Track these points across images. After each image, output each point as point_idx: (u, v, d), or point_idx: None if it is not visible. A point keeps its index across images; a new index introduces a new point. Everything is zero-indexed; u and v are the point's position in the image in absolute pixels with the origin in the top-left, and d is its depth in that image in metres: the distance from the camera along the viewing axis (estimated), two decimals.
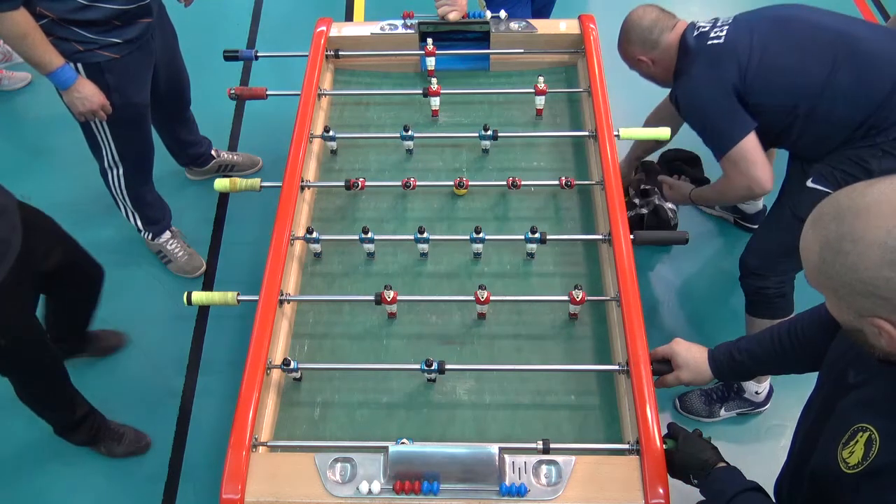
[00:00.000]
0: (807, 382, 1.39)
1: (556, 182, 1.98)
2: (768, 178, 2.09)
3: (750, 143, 2.06)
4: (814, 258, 1.04)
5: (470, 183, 2.03)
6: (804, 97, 2.02)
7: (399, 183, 1.98)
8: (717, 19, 2.18)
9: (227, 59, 2.36)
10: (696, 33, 2.16)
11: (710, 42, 2.09)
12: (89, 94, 2.22)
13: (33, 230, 1.94)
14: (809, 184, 2.08)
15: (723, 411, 2.48)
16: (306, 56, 2.29)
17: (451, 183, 2.03)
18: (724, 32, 2.09)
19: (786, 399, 2.49)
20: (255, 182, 2.03)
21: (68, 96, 2.22)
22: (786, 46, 2.04)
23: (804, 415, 1.39)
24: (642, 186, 2.99)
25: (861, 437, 1.10)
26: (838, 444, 1.14)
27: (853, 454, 1.10)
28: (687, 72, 2.13)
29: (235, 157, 3.21)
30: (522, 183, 1.98)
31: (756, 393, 2.45)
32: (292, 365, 1.66)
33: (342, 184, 2.00)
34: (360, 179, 2.00)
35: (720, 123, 2.08)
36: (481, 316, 1.81)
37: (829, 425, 1.20)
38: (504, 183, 1.99)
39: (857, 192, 1.01)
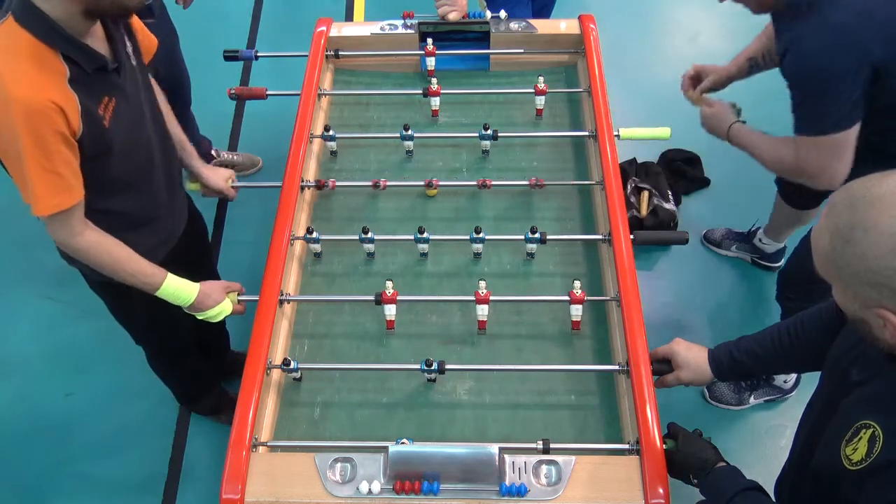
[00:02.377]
0: (808, 383, 1.39)
1: (527, 182, 2.00)
2: (845, 175, 1.73)
3: (851, 135, 1.68)
4: (824, 245, 1.04)
5: (468, 183, 2.02)
6: None
7: (385, 183, 2.00)
8: None
9: (227, 59, 2.36)
10: None
11: None
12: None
13: (191, 223, 2.01)
14: None
15: (752, 399, 2.48)
16: (306, 56, 2.28)
17: (453, 183, 2.03)
18: None
19: (787, 399, 2.49)
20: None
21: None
22: None
23: (806, 414, 1.39)
24: (639, 186, 2.99)
25: (864, 434, 1.10)
26: (841, 440, 1.14)
27: (856, 451, 1.10)
28: (815, 17, 1.59)
29: (235, 157, 3.20)
30: (513, 182, 1.99)
31: (784, 382, 2.45)
32: (292, 365, 1.66)
33: (343, 184, 2.01)
34: (331, 180, 2.02)
35: (832, 104, 1.65)
36: (482, 326, 1.78)
37: (833, 423, 1.20)
38: (504, 183, 1.99)
39: (872, 183, 1.02)
